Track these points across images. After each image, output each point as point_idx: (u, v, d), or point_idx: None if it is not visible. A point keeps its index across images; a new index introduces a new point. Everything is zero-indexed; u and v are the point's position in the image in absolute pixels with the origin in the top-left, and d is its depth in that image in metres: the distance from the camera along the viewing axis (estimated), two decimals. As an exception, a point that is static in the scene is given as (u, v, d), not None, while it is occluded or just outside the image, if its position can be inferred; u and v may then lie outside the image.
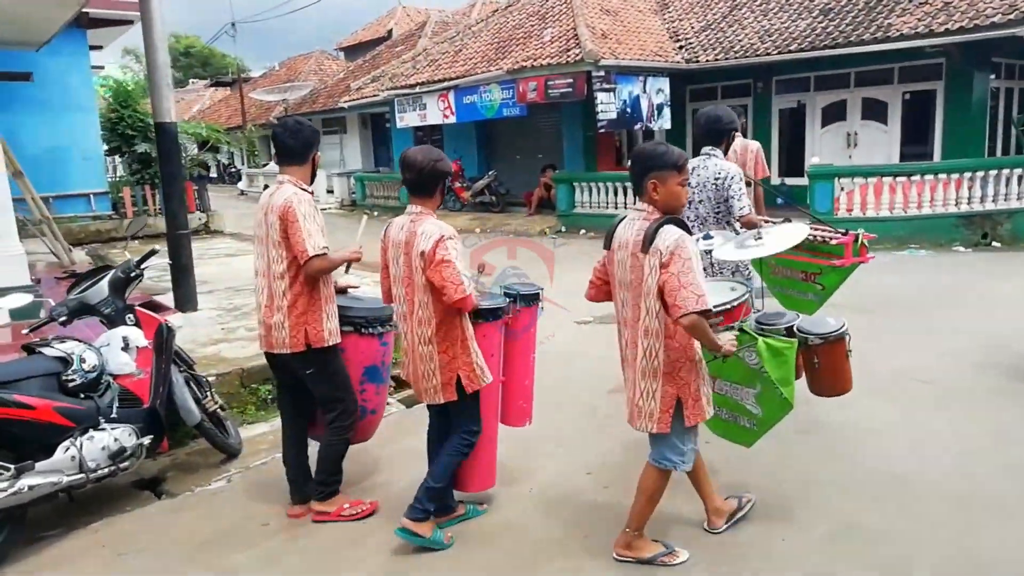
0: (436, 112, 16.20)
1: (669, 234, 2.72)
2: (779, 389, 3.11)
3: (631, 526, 3.04)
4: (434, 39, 20.49)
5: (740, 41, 14.31)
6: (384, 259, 3.31)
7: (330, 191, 21.33)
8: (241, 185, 27.49)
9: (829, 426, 4.33)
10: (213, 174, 35.05)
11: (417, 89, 16.60)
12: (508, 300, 3.46)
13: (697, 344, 2.85)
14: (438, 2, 38.12)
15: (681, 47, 15.08)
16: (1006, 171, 11.20)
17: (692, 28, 15.60)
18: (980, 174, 11.09)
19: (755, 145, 6.42)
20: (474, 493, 3.61)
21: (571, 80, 13.21)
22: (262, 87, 30.90)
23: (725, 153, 4.16)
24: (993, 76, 13.45)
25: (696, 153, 4.25)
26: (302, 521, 3.59)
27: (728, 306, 3.19)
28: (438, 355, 3.16)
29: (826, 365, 3.27)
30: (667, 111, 14.44)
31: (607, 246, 2.99)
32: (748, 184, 4.66)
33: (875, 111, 13.89)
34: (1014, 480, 3.61)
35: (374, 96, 18.92)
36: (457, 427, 3.30)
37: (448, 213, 16.78)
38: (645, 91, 13.99)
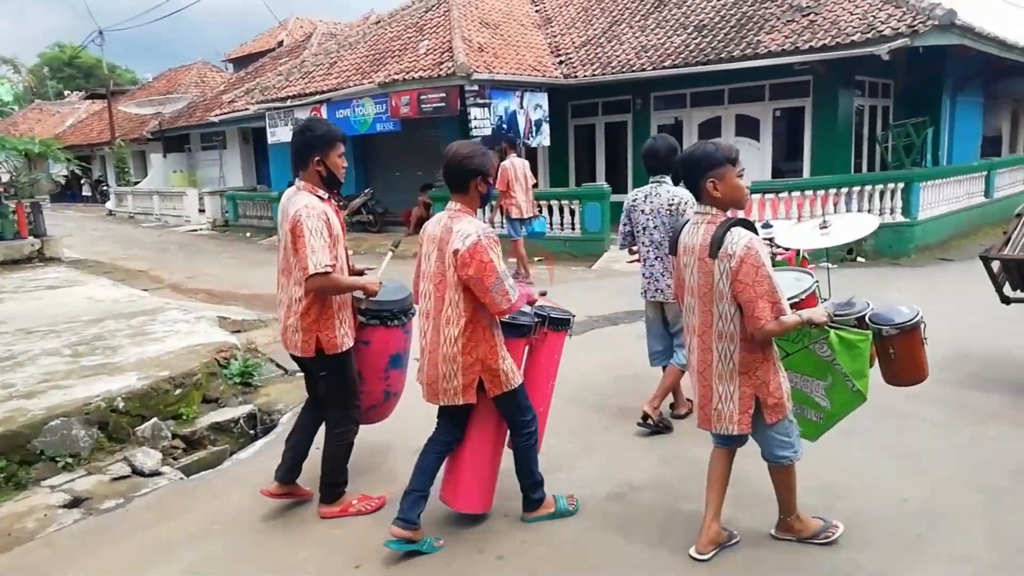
0: (308, 127, 15.36)
1: (738, 237, 2.69)
2: (851, 381, 3.06)
3: (785, 512, 3.09)
4: (316, 51, 19.63)
5: (617, 57, 14.19)
6: (420, 253, 3.25)
7: (202, 210, 20.05)
8: (109, 205, 25.64)
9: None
10: (86, 192, 32.77)
11: (289, 103, 15.74)
12: (536, 320, 3.38)
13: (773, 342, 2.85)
14: (338, 14, 37.07)
15: (561, 62, 14.85)
16: (869, 187, 11.45)
17: (572, 43, 15.42)
18: (845, 190, 11.27)
19: (521, 163, 7.50)
20: (461, 512, 3.48)
21: (444, 94, 12.71)
22: (138, 99, 29.08)
23: (675, 182, 4.16)
24: (858, 93, 13.83)
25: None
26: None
27: (797, 298, 3.20)
28: (462, 356, 3.07)
29: (903, 355, 3.17)
30: (546, 127, 14.14)
31: (672, 252, 2.99)
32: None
33: (748, 127, 14.04)
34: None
35: (245, 110, 17.89)
36: (513, 426, 3.27)
37: (324, 233, 15.97)
38: (522, 107, 13.64)
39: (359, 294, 3.50)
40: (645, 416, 4.35)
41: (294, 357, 3.55)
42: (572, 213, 12.32)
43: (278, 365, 6.00)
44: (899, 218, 11.50)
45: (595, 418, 4.81)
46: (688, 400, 4.38)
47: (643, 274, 4.47)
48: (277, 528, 3.60)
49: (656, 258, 4.38)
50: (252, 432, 4.87)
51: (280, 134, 16.32)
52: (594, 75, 14.12)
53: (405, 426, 4.09)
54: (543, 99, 14.05)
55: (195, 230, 19.09)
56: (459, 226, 3.02)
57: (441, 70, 12.77)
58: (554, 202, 12.44)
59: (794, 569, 3.02)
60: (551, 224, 12.47)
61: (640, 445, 4.32)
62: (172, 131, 25.25)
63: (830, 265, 10.58)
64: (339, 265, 3.29)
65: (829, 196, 11.18)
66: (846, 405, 3.21)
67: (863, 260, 11.02)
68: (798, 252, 4.07)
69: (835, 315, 3.12)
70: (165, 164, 25.50)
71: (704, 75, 13.07)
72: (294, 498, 3.73)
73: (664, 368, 4.58)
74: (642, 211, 4.36)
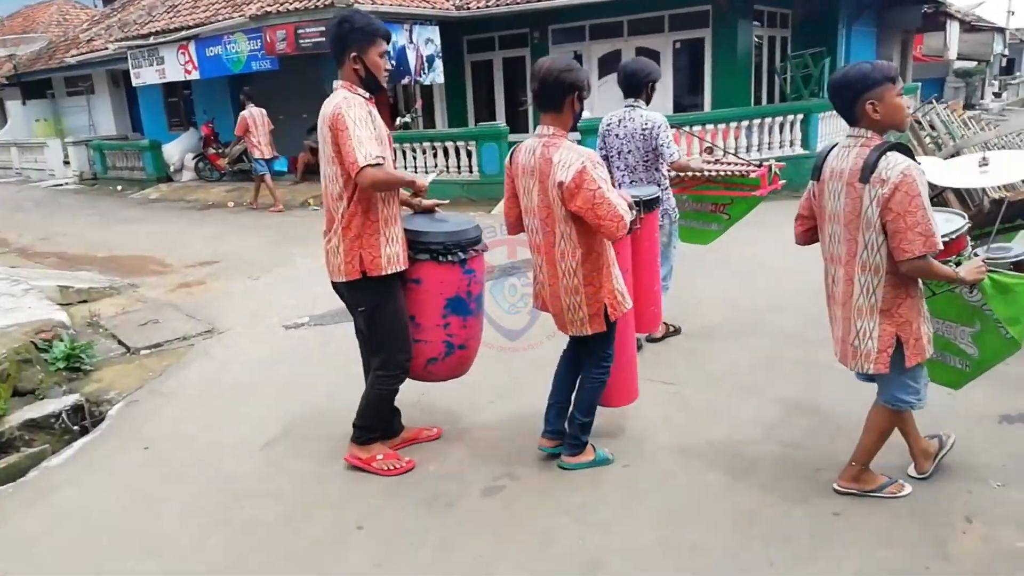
0: (176, 67, 13.89)
1: (895, 162, 2.51)
2: (1004, 328, 2.84)
3: (858, 460, 2.96)
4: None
5: (513, -14, 13.38)
6: (511, 187, 3.11)
7: (67, 162, 18.16)
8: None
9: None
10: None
11: (152, 40, 14.15)
12: (635, 210, 3.25)
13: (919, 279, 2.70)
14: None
15: (453, -7, 13.92)
16: (769, 120, 11.26)
17: (464, -28, 14.44)
18: (746, 123, 11.05)
19: (259, 111, 7.52)
20: (615, 408, 3.56)
21: (323, 28, 11.58)
22: (-10, 40, 25.99)
23: (647, 103, 4.26)
24: (757, 24, 13.56)
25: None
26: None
27: (947, 238, 3.03)
28: (584, 287, 2.99)
29: None
30: (439, 63, 13.25)
31: (815, 177, 2.80)
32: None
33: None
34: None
35: (104, 49, 16.10)
36: (593, 356, 3.18)
37: (203, 184, 14.70)
38: (412, 41, 12.69)
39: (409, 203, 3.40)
40: (651, 339, 4.58)
41: (339, 292, 3.29)
42: (469, 155, 11.64)
43: (120, 342, 5.21)
44: (799, 150, 11.39)
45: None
46: (665, 324, 4.59)
47: None
48: None
49: (632, 182, 4.31)
50: (78, 427, 4.12)
51: (146, 75, 14.74)
52: (488, 6, 13.30)
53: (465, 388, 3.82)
54: (434, 33, 13.13)
55: (60, 185, 17.27)
56: (558, 155, 2.84)
57: (319, 1, 11.66)
58: (449, 144, 11.72)
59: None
60: (447, 167, 11.78)
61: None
62: (30, 75, 22.68)
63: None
64: (387, 164, 3.05)
65: (730, 130, 10.95)
66: (997, 353, 2.97)
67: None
68: (770, 167, 4.17)
69: (988, 258, 2.93)
70: (25, 112, 22.92)
71: (603, 5, 12.50)
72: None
73: None
74: (616, 135, 4.30)
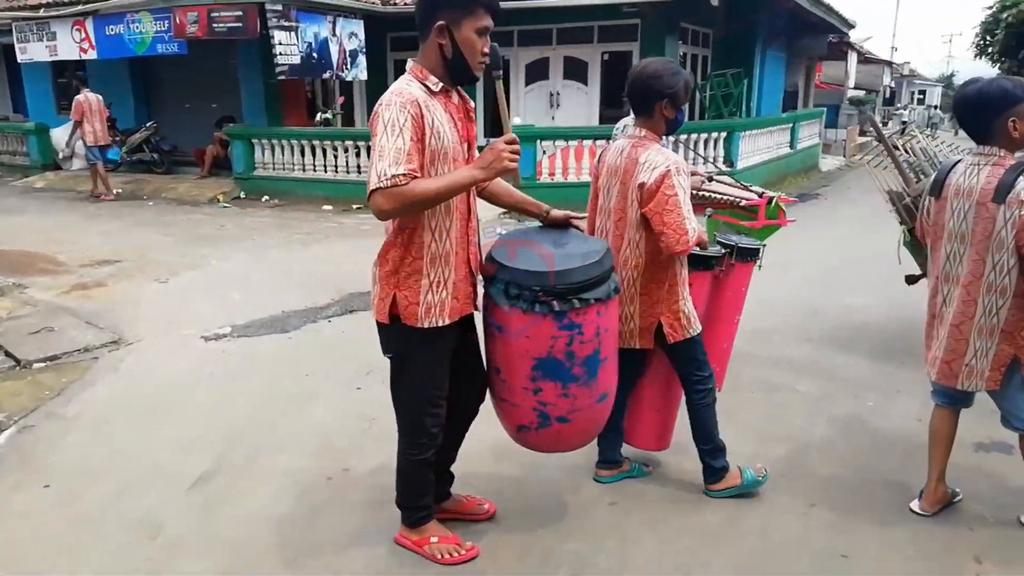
0: (70, 45, 12.70)
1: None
2: None
3: (933, 479, 2.92)
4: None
5: (440, -15, 13.00)
6: (595, 187, 2.94)
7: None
8: None
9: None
10: None
11: (43, 12, 12.91)
12: (723, 251, 3.09)
13: None
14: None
15: (378, -13, 13.40)
16: (695, 135, 11.43)
17: (391, -33, 13.96)
18: (672, 138, 11.12)
19: (95, 96, 6.94)
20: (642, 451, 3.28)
21: (240, 13, 10.84)
22: None
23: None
24: (681, 42, 13.76)
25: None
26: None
27: None
28: (639, 297, 2.83)
29: None
30: (363, 59, 12.70)
31: (935, 194, 2.74)
32: None
33: (577, 70, 13.57)
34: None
35: (-16, 20, 14.58)
36: (686, 380, 2.95)
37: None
38: (335, 34, 12.08)
39: (489, 239, 2.57)
40: None
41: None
42: (394, 156, 11.19)
43: (7, 353, 4.51)
44: (721, 166, 11.60)
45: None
46: None
47: None
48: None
49: None
50: (-43, 457, 3.47)
51: (34, 51, 13.41)
52: (412, 4, 12.84)
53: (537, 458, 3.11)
54: (359, 27, 12.56)
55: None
56: (645, 156, 2.70)
57: (237, -16, 10.91)
58: (361, 144, 11.23)
59: None
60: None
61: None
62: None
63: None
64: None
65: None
66: None
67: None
68: (770, 200, 3.91)
69: None
70: None
71: (532, 12, 12.31)
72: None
73: None
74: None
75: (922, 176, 3.89)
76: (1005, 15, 19.35)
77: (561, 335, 2.37)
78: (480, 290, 2.51)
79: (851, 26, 19.80)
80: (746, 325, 4.82)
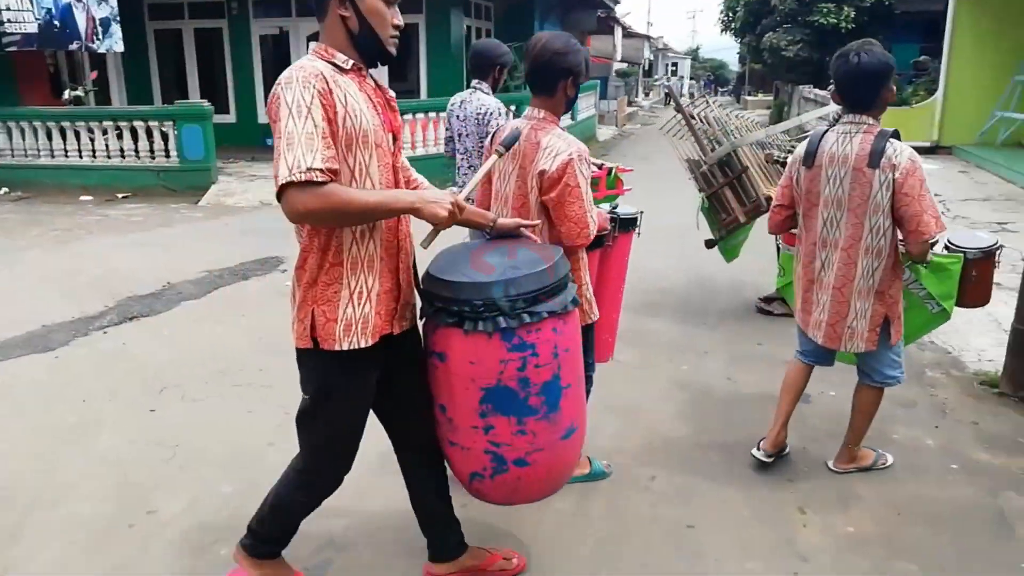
0: None
1: (900, 148, 2.68)
2: (934, 303, 3.22)
3: (853, 442, 3.10)
4: None
5: (202, -54, 11.81)
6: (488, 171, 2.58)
7: None
8: None
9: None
10: None
11: None
12: (610, 227, 2.94)
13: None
14: None
15: (126, -54, 11.85)
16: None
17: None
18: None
19: None
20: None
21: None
22: None
23: (494, 87, 4.03)
24: (465, 14, 13.72)
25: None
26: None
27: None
28: None
29: (982, 278, 3.21)
30: (117, 29, 11.20)
31: (808, 164, 2.86)
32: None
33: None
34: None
35: None
36: None
37: None
38: (81, 0, 10.54)
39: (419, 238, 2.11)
40: None
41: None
42: (165, 137, 10.05)
43: None
44: (513, 141, 11.81)
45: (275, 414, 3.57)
46: None
47: (456, 183, 4.21)
48: None
49: (469, 167, 4.10)
50: None
51: None
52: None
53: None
54: (108, -8, 11.07)
55: None
56: (547, 141, 2.51)
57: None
58: (138, 123, 9.98)
59: None
60: (136, 151, 10.03)
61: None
62: None
63: (456, 189, 10.57)
64: (358, 187, 1.93)
65: (442, 120, 10.90)
66: (924, 326, 3.36)
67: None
68: (610, 170, 3.91)
69: (948, 244, 3.25)
70: None
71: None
72: None
73: None
74: (457, 117, 4.09)
75: (716, 145, 4.10)
76: (745, -6, 21.50)
77: (511, 358, 1.99)
78: (417, 312, 2.19)
79: (617, 1, 21.04)
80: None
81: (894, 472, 3.12)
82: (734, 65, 54.61)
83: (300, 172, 1.73)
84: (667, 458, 3.24)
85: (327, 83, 1.84)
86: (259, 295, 5.59)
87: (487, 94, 4.11)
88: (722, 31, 24.23)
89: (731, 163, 3.92)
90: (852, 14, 17.62)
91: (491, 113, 3.98)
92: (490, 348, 1.98)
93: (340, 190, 1.79)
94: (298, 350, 2.03)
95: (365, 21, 1.94)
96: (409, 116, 10.47)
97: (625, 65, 35.30)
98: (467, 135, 4.20)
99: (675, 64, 61.22)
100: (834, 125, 2.90)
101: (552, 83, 2.53)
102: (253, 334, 4.74)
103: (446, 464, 2.31)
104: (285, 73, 1.87)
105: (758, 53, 22.06)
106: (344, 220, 1.88)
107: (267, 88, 13.50)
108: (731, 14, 22.87)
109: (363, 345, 1.97)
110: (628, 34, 31.39)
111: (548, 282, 2.03)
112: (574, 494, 2.93)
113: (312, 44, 1.99)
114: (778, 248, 4.37)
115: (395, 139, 2.06)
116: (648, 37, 41.06)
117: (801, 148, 2.95)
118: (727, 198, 3.97)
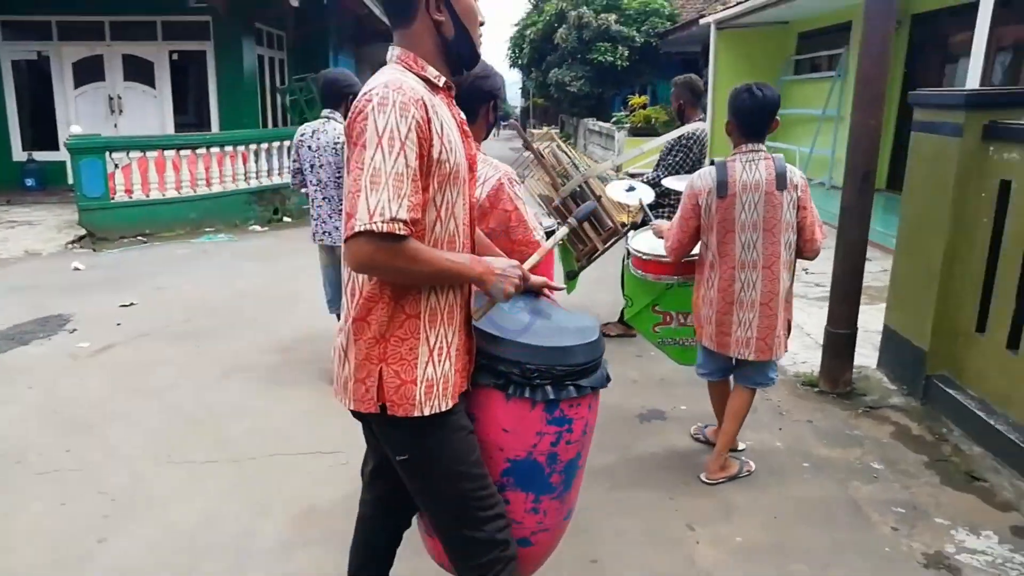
0: None
1: (794, 170, 2.99)
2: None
3: (724, 447, 3.21)
4: None
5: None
6: None
7: None
8: None
9: None
10: None
11: None
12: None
13: None
14: None
15: None
16: (288, 142, 10.95)
17: None
18: (265, 146, 10.52)
19: None
20: None
21: None
22: None
23: (345, 115, 3.94)
24: (257, 43, 13.06)
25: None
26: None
27: None
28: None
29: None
30: None
31: (721, 195, 2.99)
32: None
33: (141, 71, 11.93)
34: None
35: None
36: None
37: None
38: None
39: (478, 299, 1.78)
40: None
41: (355, 415, 1.76)
42: None
43: None
44: (319, 175, 11.35)
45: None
46: None
47: (312, 216, 4.24)
48: None
49: (324, 199, 4.16)
50: None
51: None
52: None
53: None
54: None
55: None
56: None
57: None
58: None
59: None
60: None
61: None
62: None
63: (259, 228, 9.90)
64: (443, 228, 1.66)
65: (250, 152, 10.27)
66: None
67: (289, 220, 10.54)
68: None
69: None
70: None
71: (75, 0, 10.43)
72: None
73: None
74: (309, 147, 4.13)
75: (565, 180, 4.17)
76: (528, 32, 22.66)
77: (549, 431, 1.81)
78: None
79: (410, 36, 21.17)
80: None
81: (758, 477, 3.29)
82: (513, 100, 57.32)
83: (382, 221, 1.47)
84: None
85: (426, 111, 1.55)
86: (46, 362, 4.77)
87: (341, 123, 4.11)
88: (510, 66, 25.32)
89: (583, 194, 4.00)
90: (626, 53, 19.21)
91: None
92: (530, 418, 1.79)
93: (416, 249, 1.53)
94: (362, 416, 1.73)
95: (460, 24, 1.68)
96: (203, 151, 9.70)
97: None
98: (321, 166, 4.13)
99: (462, 98, 62.71)
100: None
101: (474, 108, 2.42)
102: (47, 409, 4.02)
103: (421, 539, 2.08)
104: (377, 89, 1.54)
105: (544, 88, 23.32)
106: (406, 279, 1.61)
107: (23, 121, 11.99)
108: (517, 50, 23.98)
109: (443, 409, 1.68)
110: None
111: (597, 354, 1.86)
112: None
113: (394, 50, 1.68)
114: (623, 280, 4.52)
115: (471, 170, 1.78)
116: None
117: (704, 181, 3.04)
118: (583, 229, 4.04)
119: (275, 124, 14.00)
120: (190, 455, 3.49)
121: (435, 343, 1.67)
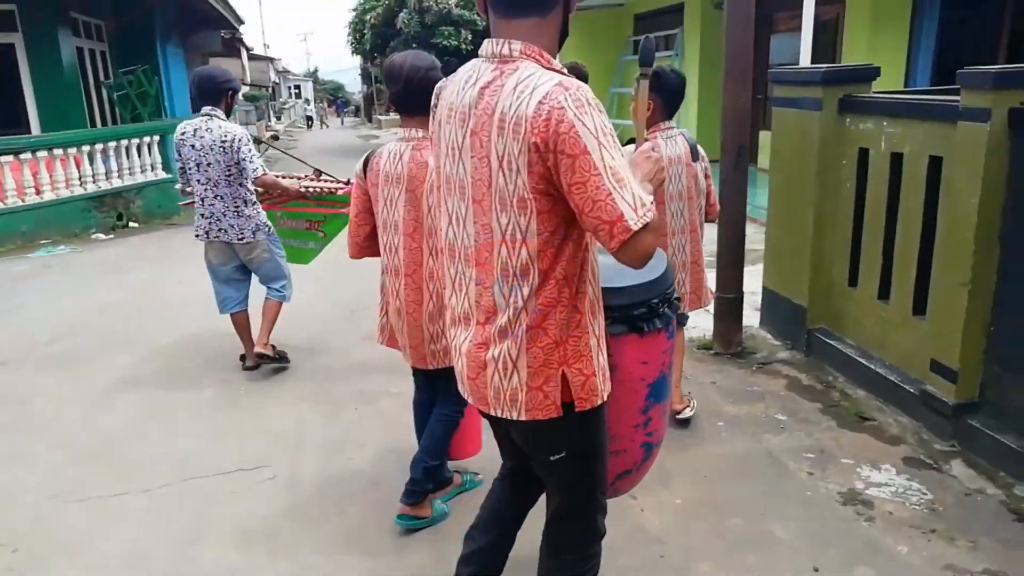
0: None
1: (696, 142, 3.29)
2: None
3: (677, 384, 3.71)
4: None
5: None
6: (363, 201, 2.62)
7: None
8: None
9: None
10: None
11: None
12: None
13: None
14: None
15: None
16: (125, 142, 10.11)
17: None
18: (100, 147, 9.64)
19: None
20: (462, 461, 3.17)
21: None
22: None
23: (227, 113, 4.09)
24: (73, 34, 11.85)
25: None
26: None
27: None
28: (442, 316, 2.53)
29: None
30: None
31: None
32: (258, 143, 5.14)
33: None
34: None
35: None
36: (446, 397, 2.80)
37: None
38: None
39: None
40: (261, 355, 4.30)
41: (497, 426, 1.91)
42: None
43: None
44: (161, 174, 10.61)
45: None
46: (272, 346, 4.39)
47: (200, 215, 4.16)
48: None
49: (216, 197, 4.09)
50: None
51: None
52: None
53: None
54: None
55: None
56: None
57: None
58: None
59: None
60: None
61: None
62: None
63: (103, 236, 9.09)
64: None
65: (83, 154, 9.39)
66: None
67: (135, 225, 9.79)
68: (348, 181, 4.22)
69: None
70: None
71: None
72: None
73: (240, 313, 4.40)
74: (192, 146, 4.02)
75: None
76: (368, 16, 22.00)
77: (668, 347, 2.02)
78: None
79: (242, 22, 20.05)
80: (300, 339, 4.60)
81: (683, 439, 3.47)
82: (351, 86, 55.80)
83: (645, 211, 1.47)
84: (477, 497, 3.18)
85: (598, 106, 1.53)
86: None
87: (224, 120, 4.09)
88: (352, 52, 24.60)
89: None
90: (470, 37, 19.25)
91: (239, 139, 4.00)
92: (658, 343, 1.98)
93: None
94: (536, 424, 1.68)
95: (567, 16, 1.64)
96: (28, 155, 8.73)
97: (251, 89, 33.97)
98: (209, 164, 4.06)
99: (298, 87, 60.63)
100: None
101: (427, 102, 2.34)
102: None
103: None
104: (556, 94, 1.45)
105: (389, 73, 22.85)
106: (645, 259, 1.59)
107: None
108: (358, 35, 23.32)
109: (609, 390, 1.75)
110: (253, 56, 30.23)
111: (673, 274, 2.13)
112: (434, 545, 2.73)
113: (513, 44, 1.56)
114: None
115: None
116: (271, 59, 40.01)
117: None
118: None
119: (105, 122, 12.82)
120: (93, 491, 3.18)
121: (597, 332, 1.71)
